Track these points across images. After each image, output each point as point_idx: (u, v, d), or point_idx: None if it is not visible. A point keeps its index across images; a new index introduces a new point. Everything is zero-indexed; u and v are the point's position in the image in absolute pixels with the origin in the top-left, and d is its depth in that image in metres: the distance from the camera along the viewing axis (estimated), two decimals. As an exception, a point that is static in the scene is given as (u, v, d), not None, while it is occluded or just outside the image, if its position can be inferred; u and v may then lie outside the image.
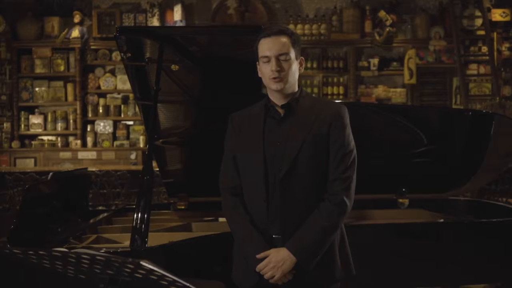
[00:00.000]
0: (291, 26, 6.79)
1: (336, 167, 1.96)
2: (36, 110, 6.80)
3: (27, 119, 6.75)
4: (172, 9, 6.72)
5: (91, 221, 2.91)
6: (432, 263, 2.70)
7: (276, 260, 1.90)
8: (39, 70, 6.77)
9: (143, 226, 2.16)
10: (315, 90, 6.86)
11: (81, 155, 6.59)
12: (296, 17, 6.86)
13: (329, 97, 6.81)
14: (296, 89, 2.04)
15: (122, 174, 4.58)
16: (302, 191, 1.95)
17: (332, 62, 6.83)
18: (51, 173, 2.49)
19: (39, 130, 6.75)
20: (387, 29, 6.57)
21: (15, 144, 6.64)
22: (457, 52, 6.57)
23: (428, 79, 6.87)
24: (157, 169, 3.06)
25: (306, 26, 6.82)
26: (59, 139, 6.71)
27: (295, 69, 1.99)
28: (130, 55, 2.30)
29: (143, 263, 1.16)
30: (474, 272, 2.74)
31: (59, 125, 6.76)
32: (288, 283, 1.94)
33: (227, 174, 2.06)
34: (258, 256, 1.93)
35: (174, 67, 2.36)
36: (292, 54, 1.97)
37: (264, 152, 1.97)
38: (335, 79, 6.87)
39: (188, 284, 1.18)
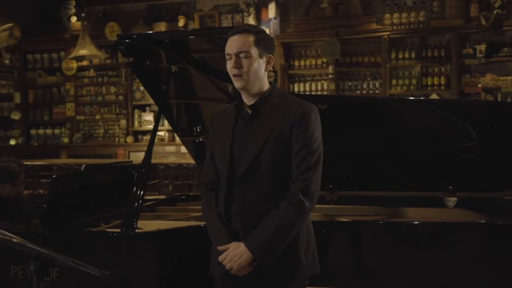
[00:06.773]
0: (387, 16, 6.53)
1: (297, 167, 1.94)
2: (147, 108, 7.47)
3: (140, 116, 7.46)
4: (267, 7, 6.87)
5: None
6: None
7: (234, 254, 1.96)
8: (149, 71, 7.41)
9: (134, 213, 2.36)
10: (413, 81, 6.50)
11: (184, 149, 7.04)
12: (393, 5, 6.57)
13: (429, 88, 6.42)
14: (265, 87, 2.04)
15: (193, 166, 4.86)
16: (262, 190, 1.97)
17: (432, 51, 6.41)
18: (84, 165, 2.80)
19: (150, 127, 7.40)
20: (495, 12, 5.96)
21: (129, 139, 7.39)
22: None
23: (547, 65, 6.10)
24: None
25: (404, 15, 6.49)
26: (166, 134, 7.29)
27: (257, 67, 1.98)
28: (132, 59, 2.50)
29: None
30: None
31: (166, 122, 7.33)
32: (252, 277, 1.99)
33: (204, 170, 2.17)
34: (219, 248, 2.01)
35: (174, 68, 2.50)
36: (254, 52, 1.97)
37: (231, 151, 2.02)
38: (436, 69, 6.43)
39: (74, 262, 1.35)
